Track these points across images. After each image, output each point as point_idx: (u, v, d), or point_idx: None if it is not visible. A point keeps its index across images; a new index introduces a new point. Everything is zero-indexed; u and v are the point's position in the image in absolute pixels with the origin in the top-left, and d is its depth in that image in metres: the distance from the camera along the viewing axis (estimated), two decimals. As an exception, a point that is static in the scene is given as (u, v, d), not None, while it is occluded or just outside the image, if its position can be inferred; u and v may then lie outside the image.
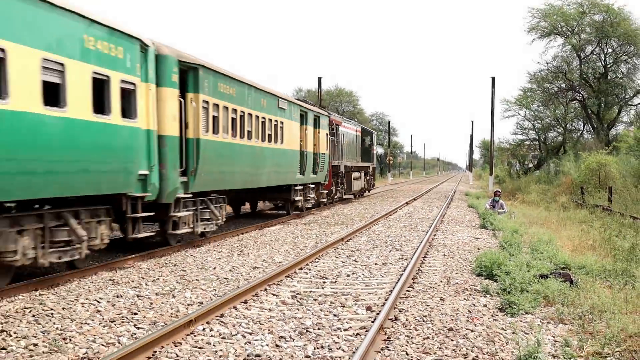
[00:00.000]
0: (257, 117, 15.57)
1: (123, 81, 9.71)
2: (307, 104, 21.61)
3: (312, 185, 21.83)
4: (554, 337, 6.42)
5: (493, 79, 39.19)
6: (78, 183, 8.80)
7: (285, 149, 18.11)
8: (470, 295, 8.41)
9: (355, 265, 10.76)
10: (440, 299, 8.09)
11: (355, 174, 29.85)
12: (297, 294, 8.31)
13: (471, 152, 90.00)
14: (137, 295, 8.05)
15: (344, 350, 5.87)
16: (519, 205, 25.64)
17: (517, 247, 11.80)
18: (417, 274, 9.95)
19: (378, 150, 56.26)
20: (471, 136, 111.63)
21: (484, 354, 5.81)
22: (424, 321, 6.97)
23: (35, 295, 7.94)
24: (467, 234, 15.78)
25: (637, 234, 11.71)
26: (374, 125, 75.91)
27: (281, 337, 6.27)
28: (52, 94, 8.21)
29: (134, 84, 10.02)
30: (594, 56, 39.25)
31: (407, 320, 7.00)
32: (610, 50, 38.58)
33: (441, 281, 9.35)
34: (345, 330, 6.60)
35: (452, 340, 6.25)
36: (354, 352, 5.63)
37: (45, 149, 8.03)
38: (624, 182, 24.06)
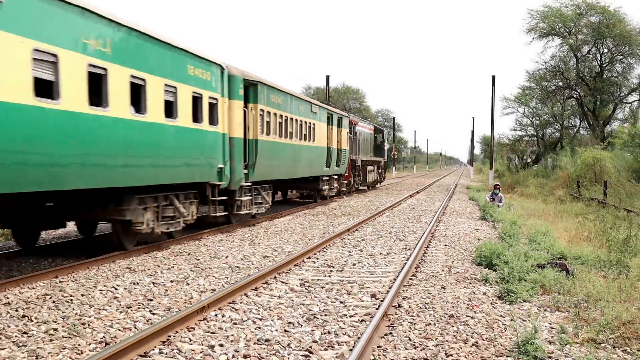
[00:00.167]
0: (296, 120, 18.62)
1: (210, 97, 12.55)
2: (331, 107, 24.65)
3: (335, 177, 25.19)
4: (550, 324, 6.52)
5: (493, 77, 39.47)
6: (182, 173, 11.67)
7: (316, 146, 21.19)
8: (470, 283, 8.57)
9: (360, 254, 10.99)
10: (442, 287, 8.26)
11: (369, 167, 32.64)
12: (305, 281, 8.52)
13: (472, 147, 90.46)
14: (153, 283, 8.29)
15: (349, 336, 6.01)
16: (518, 198, 25.78)
17: (516, 238, 11.98)
18: (419, 263, 10.15)
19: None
20: (472, 132, 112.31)
21: (483, 340, 5.93)
22: (426, 308, 7.12)
23: (56, 282, 8.18)
24: (467, 225, 16.00)
25: (630, 226, 11.84)
26: (379, 122, 76.02)
27: (290, 322, 6.43)
28: (168, 109, 10.93)
29: (216, 99, 12.84)
30: (591, 56, 39.68)
31: (410, 307, 7.16)
32: (606, 50, 39.00)
33: (443, 270, 9.54)
34: (350, 316, 6.76)
35: (453, 326, 6.39)
36: (359, 338, 5.75)
37: (165, 148, 10.85)
38: (619, 177, 24.41)
